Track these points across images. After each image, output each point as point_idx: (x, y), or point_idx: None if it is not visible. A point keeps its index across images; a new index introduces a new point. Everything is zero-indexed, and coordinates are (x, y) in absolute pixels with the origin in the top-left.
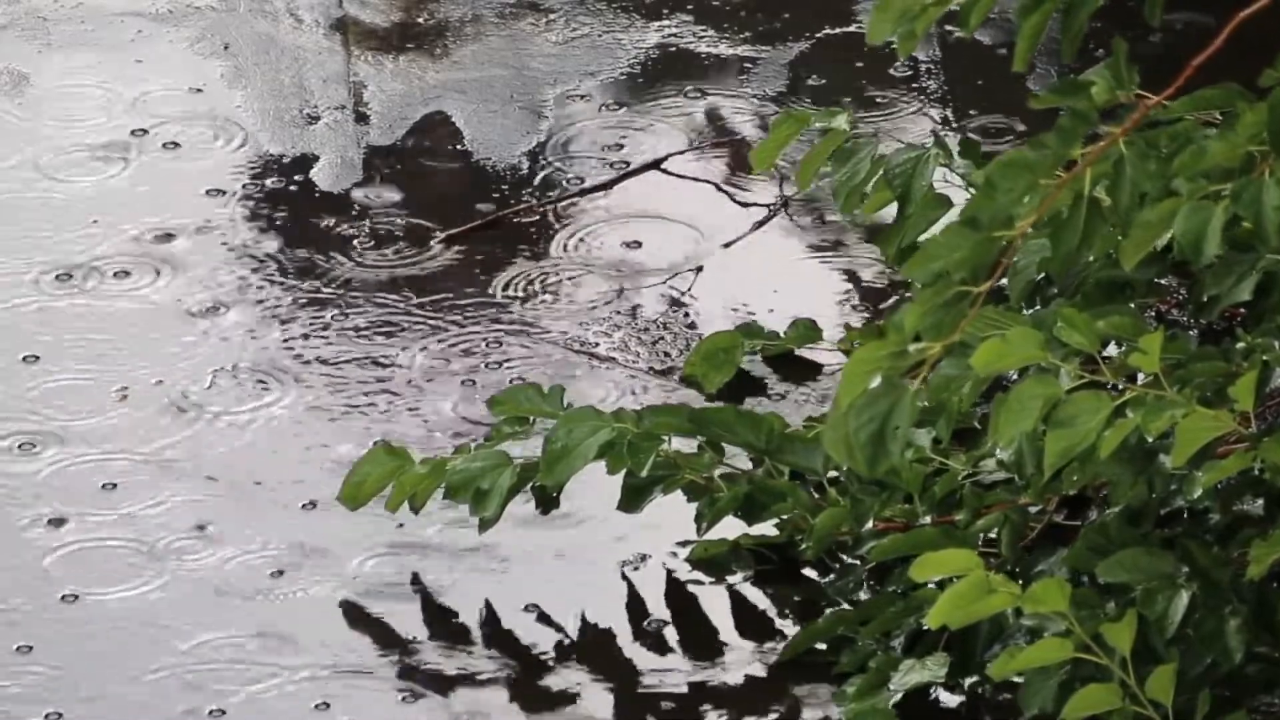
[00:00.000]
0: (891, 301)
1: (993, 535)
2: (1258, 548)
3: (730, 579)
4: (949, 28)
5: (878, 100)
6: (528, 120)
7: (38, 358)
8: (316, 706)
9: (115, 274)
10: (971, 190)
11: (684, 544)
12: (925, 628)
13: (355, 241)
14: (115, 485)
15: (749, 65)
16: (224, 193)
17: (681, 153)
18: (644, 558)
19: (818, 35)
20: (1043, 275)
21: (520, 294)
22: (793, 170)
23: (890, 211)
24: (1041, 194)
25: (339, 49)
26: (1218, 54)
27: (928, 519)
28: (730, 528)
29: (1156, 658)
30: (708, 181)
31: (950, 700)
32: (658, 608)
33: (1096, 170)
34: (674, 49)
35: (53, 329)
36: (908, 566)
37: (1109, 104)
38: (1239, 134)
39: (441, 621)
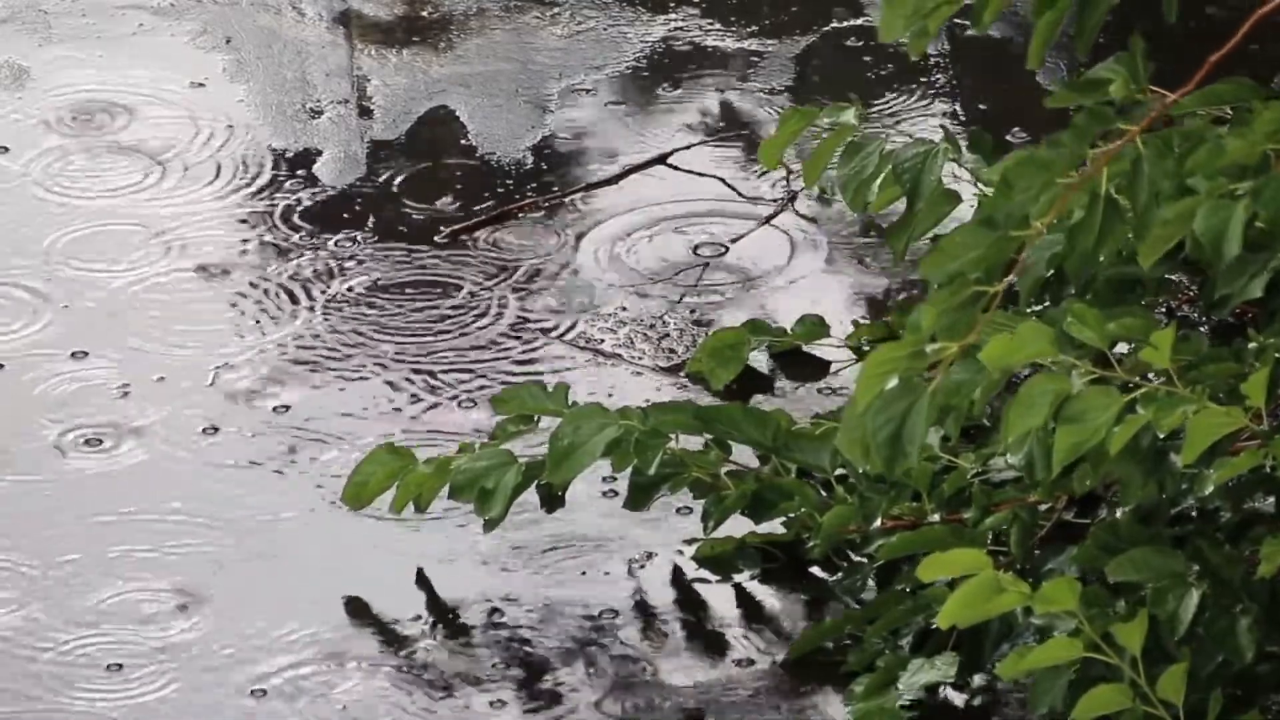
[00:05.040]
0: (900, 297)
1: (1002, 534)
2: (1269, 546)
3: (737, 577)
4: (958, 21)
5: (886, 94)
6: (532, 115)
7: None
8: None
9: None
10: (980, 186)
11: (690, 542)
12: (934, 627)
13: (359, 237)
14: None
15: (756, 59)
16: (226, 189)
17: (688, 147)
18: (650, 556)
19: (825, 29)
20: (1052, 272)
21: (524, 290)
22: (801, 165)
23: (899, 205)
24: (1057, 193)
25: (342, 43)
26: (1218, 43)
27: (936, 517)
28: (737, 526)
29: (1167, 657)
30: (714, 176)
31: (959, 700)
32: (664, 606)
33: (1113, 168)
34: (680, 42)
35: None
36: (916, 565)
37: (1125, 101)
38: (1256, 132)
39: (444, 620)
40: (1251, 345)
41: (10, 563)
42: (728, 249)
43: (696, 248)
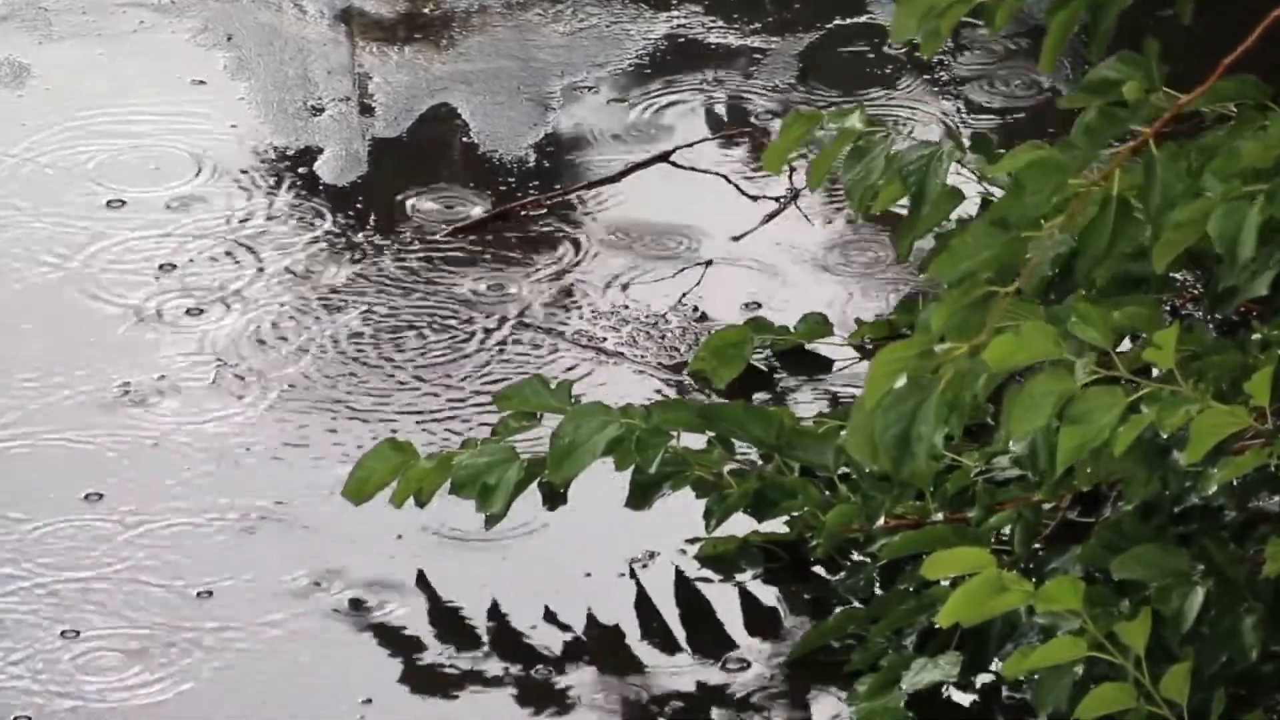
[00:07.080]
0: (903, 297)
1: (1005, 532)
2: (1274, 544)
3: (739, 576)
4: (962, 19)
5: (889, 92)
6: (535, 112)
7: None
8: None
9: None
10: (985, 185)
11: (693, 541)
12: (937, 626)
13: (359, 235)
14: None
15: (759, 56)
16: (227, 187)
17: (690, 145)
18: (652, 555)
19: (829, 26)
20: (1057, 270)
21: (526, 288)
22: (803, 163)
23: (902, 202)
24: (1069, 194)
25: (343, 40)
26: (1228, 42)
27: (940, 516)
28: (739, 525)
29: (1171, 656)
30: (717, 174)
31: (963, 699)
32: (666, 605)
33: (1125, 171)
34: (683, 40)
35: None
36: (919, 564)
37: (1138, 103)
38: (1271, 135)
39: (447, 619)
40: (1255, 336)
41: None
42: (730, 247)
43: (698, 246)
